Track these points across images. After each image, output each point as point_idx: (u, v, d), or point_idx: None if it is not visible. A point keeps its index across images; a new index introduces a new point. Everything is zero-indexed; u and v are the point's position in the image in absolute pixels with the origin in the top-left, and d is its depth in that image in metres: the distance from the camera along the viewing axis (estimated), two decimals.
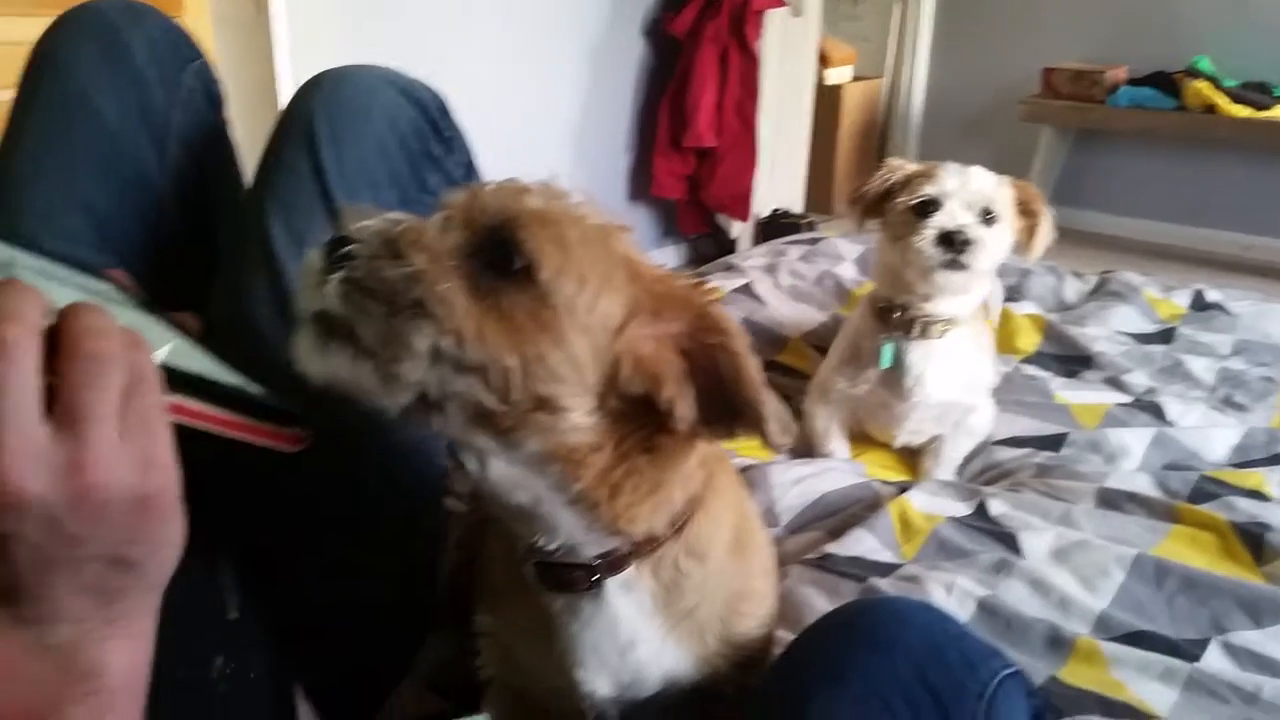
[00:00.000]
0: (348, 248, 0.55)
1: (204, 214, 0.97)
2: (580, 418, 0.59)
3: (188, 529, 0.46)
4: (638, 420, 0.61)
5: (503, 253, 0.57)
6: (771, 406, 0.59)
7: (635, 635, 0.70)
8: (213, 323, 0.81)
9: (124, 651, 0.45)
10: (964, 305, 1.44)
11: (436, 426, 0.58)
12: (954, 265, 1.33)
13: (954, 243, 1.32)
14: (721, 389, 0.60)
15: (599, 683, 0.71)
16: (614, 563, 0.66)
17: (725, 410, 0.61)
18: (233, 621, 0.73)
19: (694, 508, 0.69)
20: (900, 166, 1.44)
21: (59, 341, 0.41)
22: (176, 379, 0.47)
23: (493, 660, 0.81)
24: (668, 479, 0.64)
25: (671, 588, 0.69)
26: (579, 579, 0.67)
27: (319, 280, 0.55)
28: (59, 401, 0.40)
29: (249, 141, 1.04)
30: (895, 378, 1.45)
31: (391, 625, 0.94)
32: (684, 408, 0.59)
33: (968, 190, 1.36)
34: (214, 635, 0.71)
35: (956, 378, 1.46)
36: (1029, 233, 1.43)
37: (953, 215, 1.34)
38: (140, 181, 0.90)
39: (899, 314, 1.42)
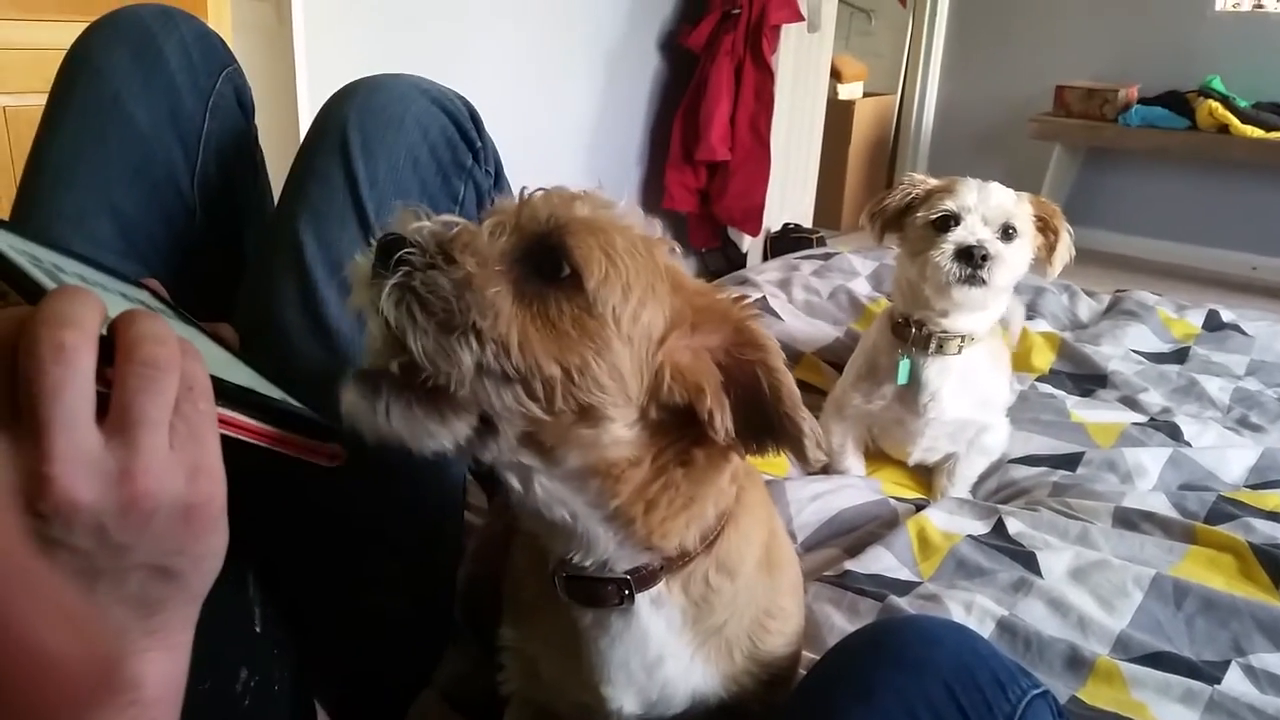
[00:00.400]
0: (403, 251, 0.54)
1: (230, 221, 0.97)
2: (621, 430, 0.59)
3: None
4: (676, 432, 0.61)
5: (550, 259, 0.57)
6: (809, 424, 0.59)
7: (664, 651, 0.69)
8: (240, 330, 0.81)
9: (162, 663, 0.44)
10: (982, 321, 1.43)
11: (490, 454, 0.57)
12: (973, 280, 1.33)
13: (973, 258, 1.32)
14: (758, 404, 0.60)
15: (626, 699, 0.71)
16: (645, 578, 0.66)
17: (760, 425, 0.61)
18: (258, 634, 0.73)
19: (725, 523, 0.68)
20: (920, 181, 1.44)
21: (116, 346, 0.41)
22: (219, 389, 0.47)
23: (516, 674, 0.81)
24: (702, 494, 0.64)
25: (701, 604, 0.69)
26: (609, 594, 0.66)
27: (373, 282, 0.55)
28: (112, 407, 0.40)
29: (268, 147, 1.04)
30: (911, 394, 1.44)
31: (412, 637, 0.94)
32: (724, 419, 0.59)
33: (987, 205, 1.36)
34: (240, 648, 0.70)
35: (972, 395, 1.45)
36: (1048, 250, 1.42)
37: (972, 230, 1.34)
38: (169, 187, 0.90)
39: (916, 330, 1.42)
